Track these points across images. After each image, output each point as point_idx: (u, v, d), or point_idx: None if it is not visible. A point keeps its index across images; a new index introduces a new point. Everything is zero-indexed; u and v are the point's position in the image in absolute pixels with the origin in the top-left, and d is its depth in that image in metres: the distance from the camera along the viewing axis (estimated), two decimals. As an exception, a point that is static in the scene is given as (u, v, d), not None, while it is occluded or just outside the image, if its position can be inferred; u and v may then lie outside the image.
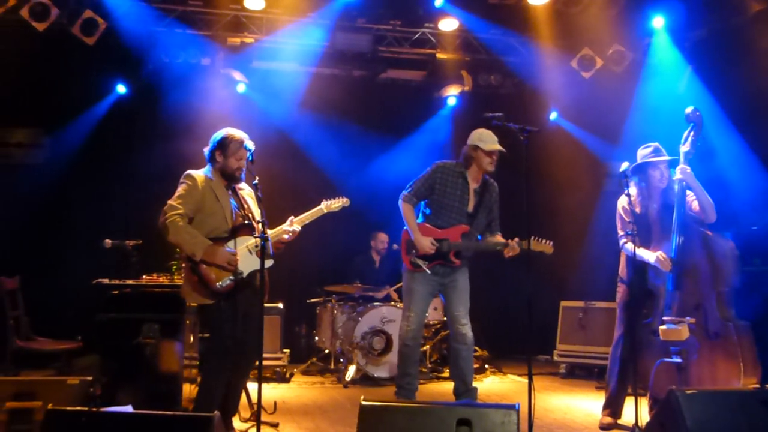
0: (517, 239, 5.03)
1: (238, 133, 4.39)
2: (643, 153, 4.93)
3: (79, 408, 3.02)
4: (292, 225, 4.55)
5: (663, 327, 4.49)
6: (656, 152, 4.90)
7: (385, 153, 8.60)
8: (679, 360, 4.42)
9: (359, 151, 8.48)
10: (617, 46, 8.09)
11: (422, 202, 5.34)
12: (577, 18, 8.03)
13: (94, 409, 3.03)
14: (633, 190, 4.94)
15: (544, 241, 5.07)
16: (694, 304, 4.56)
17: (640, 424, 4.23)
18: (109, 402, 4.57)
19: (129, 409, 3.68)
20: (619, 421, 5.02)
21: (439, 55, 8.71)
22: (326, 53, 8.25)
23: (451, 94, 9.07)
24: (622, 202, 4.96)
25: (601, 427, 4.99)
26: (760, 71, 6.93)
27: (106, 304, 5.01)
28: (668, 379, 4.42)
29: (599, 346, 7.12)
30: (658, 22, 7.78)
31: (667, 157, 4.85)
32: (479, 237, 5.31)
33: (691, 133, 4.70)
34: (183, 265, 4.38)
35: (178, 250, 5.47)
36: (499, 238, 5.25)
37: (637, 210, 4.87)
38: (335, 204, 4.87)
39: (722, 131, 7.12)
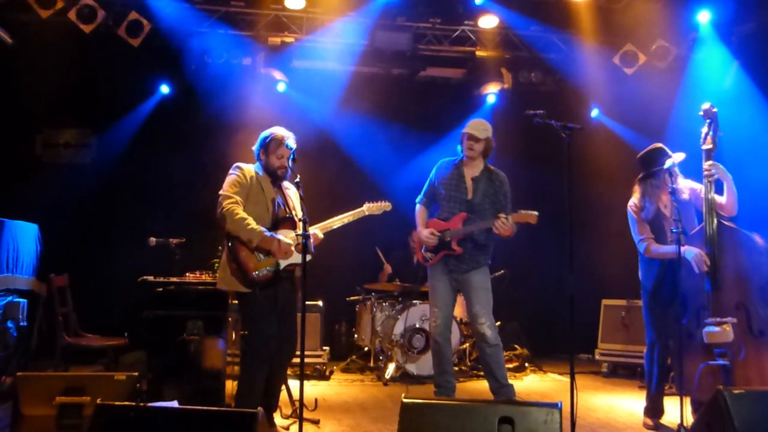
0: (503, 215, 5.04)
1: (281, 132, 4.49)
2: (674, 159, 4.86)
3: (127, 403, 3.08)
4: (322, 230, 4.62)
5: (706, 330, 4.40)
6: (662, 152, 4.85)
7: (425, 151, 8.58)
8: (724, 362, 4.34)
9: (399, 150, 8.50)
10: (661, 41, 7.96)
11: (435, 205, 5.48)
12: (619, 13, 7.92)
13: (142, 405, 3.09)
14: (638, 193, 4.93)
15: (527, 211, 5.08)
16: (734, 303, 4.45)
17: (685, 425, 4.17)
18: (154, 398, 4.67)
19: (175, 404, 3.76)
20: (662, 421, 4.96)
21: (479, 53, 8.65)
22: (366, 52, 8.25)
23: (491, 92, 9.01)
24: (630, 204, 4.92)
25: (646, 427, 4.94)
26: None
27: (152, 302, 5.11)
28: (714, 383, 4.33)
29: (642, 345, 6.93)
30: (704, 16, 7.63)
31: (673, 160, 4.77)
32: None
33: (711, 130, 4.62)
34: (222, 252, 4.45)
35: (220, 247, 5.57)
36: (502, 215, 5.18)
37: (649, 210, 4.84)
38: (377, 207, 4.94)
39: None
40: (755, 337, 4.37)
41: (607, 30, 8.02)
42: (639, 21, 7.84)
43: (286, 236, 4.38)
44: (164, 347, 5.00)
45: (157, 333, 5.03)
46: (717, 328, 4.36)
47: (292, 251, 4.34)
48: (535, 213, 5.08)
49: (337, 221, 4.69)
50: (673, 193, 4.52)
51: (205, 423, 3.00)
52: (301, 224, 4.08)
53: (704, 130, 4.66)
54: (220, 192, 4.36)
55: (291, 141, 4.42)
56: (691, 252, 4.56)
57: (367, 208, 4.90)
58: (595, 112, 8.86)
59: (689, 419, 4.28)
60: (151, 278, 5.31)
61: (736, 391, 3.34)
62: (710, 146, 4.62)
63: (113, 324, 6.39)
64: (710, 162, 4.60)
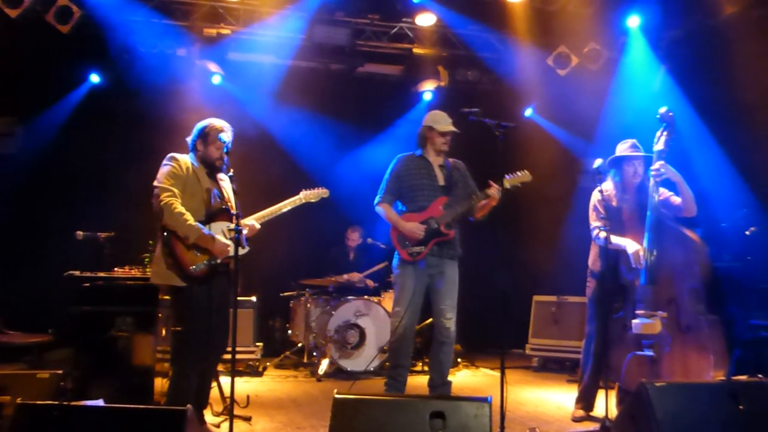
0: (493, 184, 5.01)
1: (219, 123, 4.45)
2: (620, 148, 5.02)
3: (49, 402, 2.99)
4: (258, 220, 4.58)
5: (636, 321, 4.58)
6: (633, 148, 4.99)
7: (362, 147, 8.61)
8: (651, 353, 4.52)
9: (336, 145, 8.48)
10: (593, 44, 8.16)
11: (398, 202, 5.32)
12: (553, 16, 8.08)
13: (65, 403, 3.00)
14: (608, 184, 5.03)
15: (517, 173, 5.11)
16: (666, 298, 4.64)
17: (610, 416, 4.30)
18: (80, 396, 4.53)
19: (100, 403, 3.66)
20: (591, 414, 5.09)
21: (417, 50, 8.72)
22: (304, 46, 8.20)
23: (428, 89, 9.09)
24: (597, 195, 5.03)
25: (574, 420, 5.06)
26: (733, 72, 7.04)
27: (78, 297, 4.96)
28: (639, 372, 4.51)
29: (571, 340, 7.20)
30: (634, 21, 7.86)
31: (642, 154, 4.93)
32: None
33: (665, 133, 4.78)
34: (156, 246, 4.35)
35: (151, 242, 5.44)
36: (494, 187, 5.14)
37: (613, 203, 4.95)
38: (314, 194, 4.93)
39: (694, 131, 7.23)
40: (682, 331, 4.55)
41: (542, 32, 8.17)
42: (572, 24, 8.02)
43: (221, 228, 4.32)
44: (91, 344, 4.86)
45: (84, 329, 4.89)
46: (646, 320, 4.55)
47: (228, 250, 4.26)
48: (525, 171, 5.14)
49: (274, 210, 4.66)
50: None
51: (132, 421, 2.94)
52: (234, 218, 4.03)
53: (659, 132, 4.81)
54: (156, 183, 4.25)
55: (226, 134, 4.37)
56: (633, 247, 4.71)
57: (304, 196, 4.90)
58: (529, 111, 9.03)
59: (614, 411, 4.41)
60: (77, 273, 5.15)
61: (659, 384, 3.47)
62: (662, 148, 4.77)
63: (37, 320, 6.16)
64: (661, 162, 4.75)
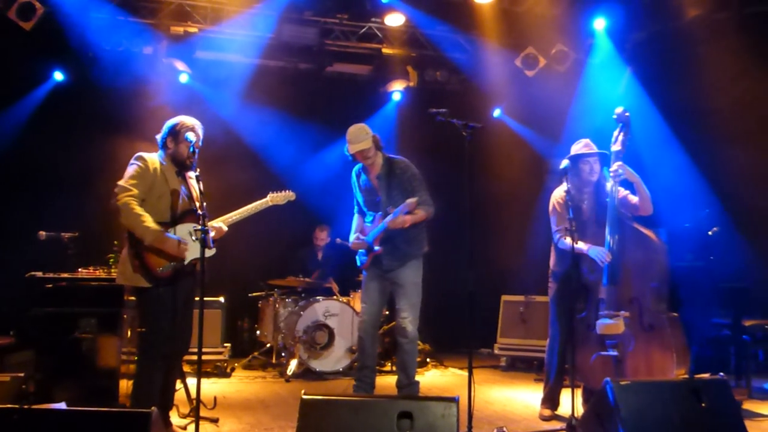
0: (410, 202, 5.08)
1: (190, 121, 4.40)
2: (574, 148, 5.06)
3: (10, 406, 2.93)
4: (226, 223, 4.55)
5: (600, 321, 4.63)
6: (587, 147, 5.03)
7: (330, 146, 8.57)
8: (615, 353, 4.57)
9: (304, 144, 8.44)
10: (560, 45, 8.24)
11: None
12: (521, 17, 8.15)
13: (27, 407, 2.94)
14: (564, 186, 5.06)
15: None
16: (628, 298, 4.70)
17: (576, 415, 4.34)
18: (43, 399, 4.46)
19: (63, 406, 3.60)
20: (557, 412, 5.14)
21: (386, 50, 8.73)
22: (272, 45, 8.17)
23: (397, 89, 9.10)
24: (556, 196, 5.08)
25: (541, 418, 5.10)
26: (695, 74, 7.17)
27: (41, 298, 4.87)
28: (604, 372, 4.55)
29: (539, 339, 7.25)
30: (600, 23, 7.96)
31: (597, 151, 4.97)
32: None
33: (621, 133, 4.83)
34: (122, 247, 4.29)
35: (116, 242, 5.37)
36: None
37: (572, 204, 5.00)
38: (281, 197, 4.92)
39: (658, 132, 7.34)
40: (645, 330, 4.61)
41: (510, 33, 8.24)
42: (540, 25, 8.11)
43: (188, 230, 4.28)
44: (54, 346, 4.78)
45: (47, 331, 4.80)
46: (610, 320, 4.60)
47: (184, 251, 4.21)
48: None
49: (241, 213, 4.63)
50: (594, 189, 4.73)
51: (96, 424, 2.89)
52: (201, 219, 3.99)
53: (616, 133, 4.85)
54: (119, 182, 4.18)
55: (192, 133, 4.32)
56: (595, 250, 4.75)
57: (271, 198, 4.88)
58: (497, 112, 9.09)
59: (580, 410, 4.46)
60: (40, 274, 5.07)
61: (623, 383, 3.52)
62: (619, 148, 4.82)
63: (-2, 322, 6.05)
64: (619, 163, 4.80)
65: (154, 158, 4.33)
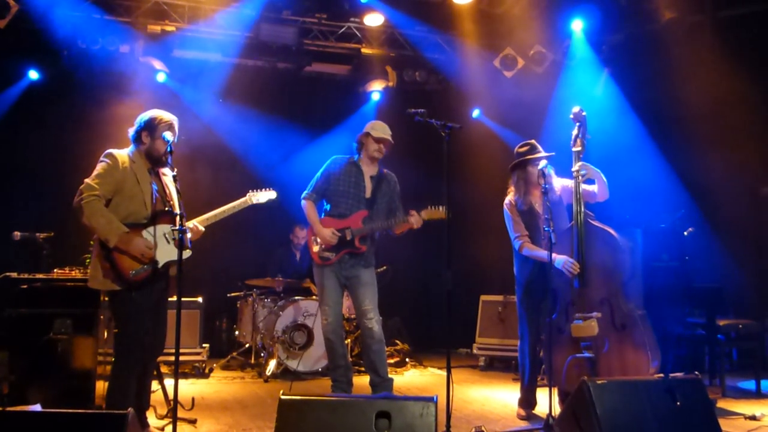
0: (414, 212, 5.15)
1: (167, 115, 4.25)
2: (520, 151, 5.09)
3: (-17, 407, 2.90)
4: (203, 223, 4.46)
5: (573, 324, 4.65)
6: (533, 150, 5.04)
7: (309, 146, 8.56)
8: (589, 355, 4.59)
9: (282, 144, 8.43)
10: (538, 47, 8.29)
11: (323, 201, 5.42)
12: (500, 18, 8.20)
13: (1, 409, 2.91)
14: (513, 190, 5.12)
15: (437, 208, 5.15)
16: (599, 299, 4.72)
17: (553, 414, 4.37)
18: (17, 401, 4.41)
19: (37, 408, 3.56)
20: (534, 412, 5.17)
21: (365, 50, 8.74)
22: (250, 44, 8.15)
23: (376, 90, 9.12)
24: (508, 203, 5.12)
25: (519, 417, 5.14)
26: (671, 76, 7.25)
27: (15, 299, 4.80)
28: (579, 374, 4.56)
29: (517, 339, 7.26)
30: (577, 25, 8.02)
31: (544, 154, 5.00)
32: None
33: (579, 133, 4.86)
34: (93, 249, 4.20)
35: (92, 242, 5.31)
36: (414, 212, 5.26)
37: (524, 208, 5.05)
38: (261, 196, 4.84)
39: (634, 133, 7.42)
40: (618, 330, 4.65)
41: (489, 34, 8.29)
42: (518, 26, 8.16)
43: (163, 230, 4.19)
44: (29, 347, 4.72)
45: (22, 332, 4.73)
46: (583, 323, 4.61)
47: (150, 254, 4.11)
48: (442, 208, 5.11)
49: (220, 213, 4.54)
50: (546, 193, 4.71)
51: (72, 426, 2.87)
52: (178, 219, 3.92)
53: (574, 132, 4.89)
54: (86, 180, 4.05)
55: (176, 126, 4.24)
56: (560, 260, 4.76)
57: (251, 197, 4.79)
58: (476, 113, 9.13)
59: (557, 409, 4.49)
60: (14, 275, 4.99)
61: (599, 382, 3.56)
62: (579, 148, 4.86)
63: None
64: (580, 163, 4.83)
65: (123, 155, 4.18)
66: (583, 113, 4.87)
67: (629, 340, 4.60)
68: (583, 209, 4.80)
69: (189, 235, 4.20)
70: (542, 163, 4.91)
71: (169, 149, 4.09)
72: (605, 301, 4.70)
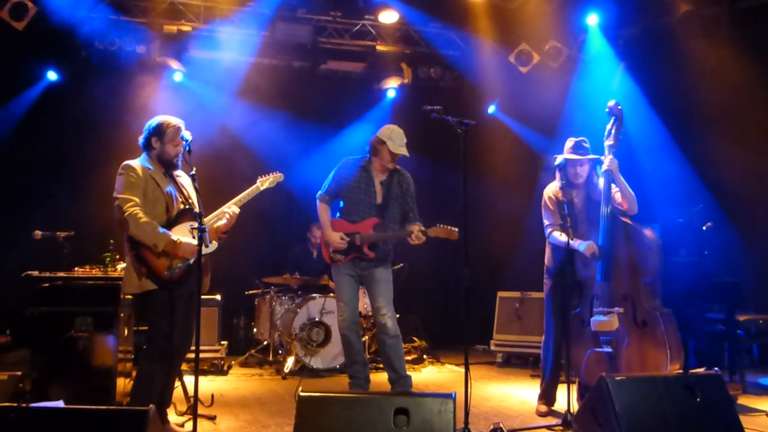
0: (418, 227, 5.15)
1: (174, 120, 4.36)
2: (566, 146, 5.06)
3: (7, 404, 2.93)
4: (230, 207, 4.52)
5: (594, 318, 4.63)
6: (575, 149, 4.99)
7: (325, 144, 8.59)
8: (609, 350, 4.57)
9: (298, 143, 8.44)
10: (553, 42, 8.26)
11: (339, 200, 5.46)
12: (515, 13, 8.17)
13: (24, 405, 2.95)
14: (556, 183, 5.09)
15: (448, 227, 5.13)
16: (621, 294, 4.71)
17: (572, 410, 4.36)
18: (40, 398, 4.46)
19: (60, 404, 3.61)
20: (553, 408, 5.16)
21: (379, 48, 8.74)
22: (266, 43, 8.18)
23: (391, 87, 9.12)
24: (548, 192, 5.09)
25: (538, 414, 5.12)
26: (687, 69, 7.19)
27: (37, 298, 4.86)
28: (598, 368, 4.57)
29: (535, 335, 7.27)
30: (593, 19, 7.98)
31: (578, 157, 4.95)
32: (396, 229, 5.36)
33: (614, 127, 4.83)
34: (118, 254, 4.28)
35: (112, 241, 5.37)
36: (418, 227, 5.24)
37: (561, 199, 5.02)
38: (269, 179, 4.88)
39: (651, 127, 7.36)
40: (638, 326, 4.62)
41: (503, 29, 8.26)
42: (533, 21, 8.12)
43: (188, 227, 4.26)
44: (51, 345, 4.77)
45: (43, 330, 4.79)
46: (604, 317, 4.60)
47: (196, 250, 4.18)
48: (456, 229, 5.09)
49: (234, 203, 4.56)
50: (586, 188, 4.73)
51: (93, 422, 2.90)
52: (198, 217, 3.99)
53: (608, 126, 4.86)
54: (117, 195, 4.16)
55: (186, 132, 4.30)
56: (584, 244, 4.76)
57: (261, 183, 4.82)
58: (491, 109, 9.10)
59: (576, 405, 4.48)
60: (36, 273, 5.06)
61: (618, 378, 3.55)
62: (612, 142, 4.82)
63: (-6, 322, 6.06)
64: (609, 158, 4.81)
65: (139, 164, 4.29)
66: (619, 107, 4.82)
67: (650, 338, 4.58)
68: (611, 204, 4.78)
69: (223, 221, 4.39)
70: (558, 158, 4.89)
71: (187, 148, 4.17)
72: (628, 297, 4.68)
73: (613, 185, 4.86)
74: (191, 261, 4.25)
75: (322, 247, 5.49)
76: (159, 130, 4.31)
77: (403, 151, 5.24)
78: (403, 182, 5.40)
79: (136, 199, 4.14)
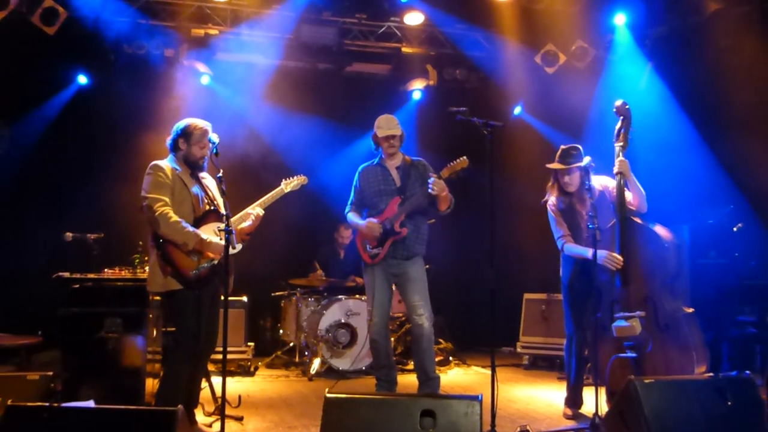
0: (434, 174, 5.11)
1: (201, 122, 4.43)
2: (556, 155, 5.04)
3: (39, 404, 2.98)
4: (255, 209, 4.57)
5: (615, 324, 4.57)
6: (563, 157, 4.97)
7: (350, 146, 8.59)
8: (633, 355, 4.51)
9: (324, 145, 8.48)
10: (580, 42, 8.19)
11: (365, 209, 5.52)
12: (540, 14, 8.11)
13: (55, 405, 2.99)
14: (555, 192, 5.08)
15: (454, 161, 5.13)
16: (641, 297, 4.63)
17: (600, 413, 4.32)
18: (70, 397, 4.52)
19: (91, 404, 3.65)
20: (581, 411, 5.12)
21: (405, 49, 8.74)
22: (291, 46, 8.23)
23: (417, 88, 9.12)
24: (551, 203, 5.06)
25: (565, 417, 5.09)
26: (717, 69, 7.09)
27: (67, 299, 4.93)
28: (623, 374, 4.49)
29: (561, 337, 7.11)
30: (620, 19, 7.90)
31: (567, 166, 4.93)
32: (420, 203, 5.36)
33: (623, 127, 4.77)
34: (147, 256, 4.34)
35: (141, 242, 5.43)
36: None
37: (563, 207, 5.01)
38: (293, 182, 4.94)
39: (680, 127, 7.27)
40: (661, 330, 4.54)
41: (529, 30, 8.21)
42: (559, 22, 8.06)
43: (213, 228, 4.32)
44: (81, 345, 4.84)
45: (73, 331, 4.86)
46: (625, 323, 4.53)
47: (222, 249, 4.24)
48: (463, 157, 5.11)
49: (258, 204, 4.62)
50: (589, 189, 4.67)
51: (123, 422, 2.93)
52: (224, 218, 4.03)
53: (617, 126, 4.81)
54: (146, 195, 4.22)
55: (214, 135, 4.37)
56: (602, 254, 4.67)
57: (285, 185, 4.89)
58: (517, 110, 9.05)
59: (604, 408, 4.44)
60: (66, 274, 5.13)
61: (647, 381, 3.50)
62: (622, 143, 4.77)
63: (26, 322, 6.13)
64: (621, 160, 4.75)
65: (167, 164, 4.36)
66: (627, 106, 4.76)
67: (673, 341, 4.50)
68: (626, 206, 4.73)
69: (248, 223, 4.46)
70: (585, 160, 4.85)
71: (214, 151, 4.23)
72: (648, 300, 4.61)
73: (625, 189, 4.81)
74: (216, 261, 4.30)
75: (360, 249, 5.51)
76: (186, 132, 4.38)
77: (391, 131, 5.34)
78: (419, 166, 5.47)
79: (166, 199, 4.20)
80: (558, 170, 4.99)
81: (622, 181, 4.74)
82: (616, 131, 4.80)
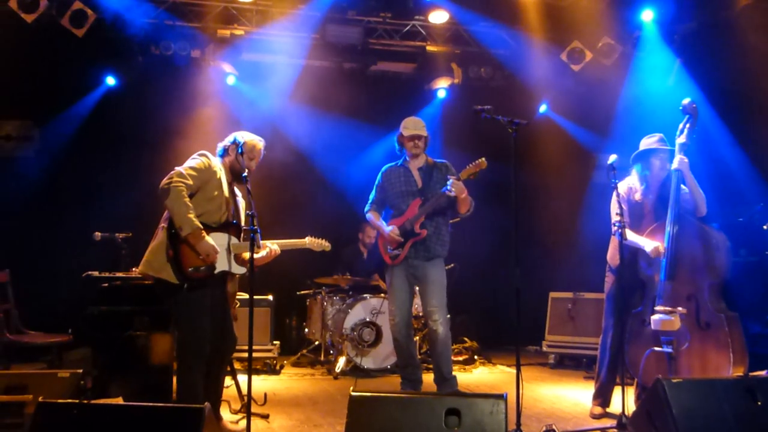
0: (452, 177, 5.14)
1: (259, 145, 4.55)
2: (647, 141, 4.97)
3: (70, 401, 3.03)
4: (274, 244, 4.61)
5: (655, 317, 4.54)
6: (661, 142, 4.94)
7: (375, 145, 8.61)
8: (669, 350, 4.47)
9: (349, 143, 8.50)
10: (607, 39, 8.12)
11: (387, 208, 5.60)
12: (566, 11, 8.06)
13: (86, 402, 3.04)
14: (633, 178, 5.00)
15: (473, 163, 5.14)
16: (686, 294, 4.60)
17: (627, 413, 4.28)
18: (100, 395, 4.58)
19: (120, 401, 3.70)
20: (608, 410, 5.08)
21: (430, 48, 8.73)
22: (316, 45, 8.25)
23: (442, 87, 9.10)
24: (621, 189, 4.99)
25: (592, 416, 5.04)
26: (747, 65, 6.98)
27: (97, 297, 5.01)
28: (658, 368, 4.48)
29: (588, 336, 7.18)
30: (647, 15, 7.82)
31: (669, 147, 4.88)
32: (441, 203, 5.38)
33: (687, 125, 4.75)
34: (156, 237, 4.31)
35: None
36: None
37: (636, 198, 4.94)
38: (317, 244, 5.02)
39: (709, 124, 7.17)
40: (701, 328, 4.50)
41: (555, 27, 8.15)
42: (585, 19, 8.00)
43: (226, 240, 4.31)
44: (110, 343, 4.90)
45: (103, 329, 4.93)
46: (666, 316, 4.50)
47: (214, 258, 4.21)
48: (482, 159, 5.12)
49: (279, 245, 4.66)
50: (647, 187, 4.68)
51: (151, 419, 2.98)
52: (250, 219, 3.99)
53: (681, 125, 4.78)
54: (178, 168, 4.20)
55: (262, 152, 4.53)
56: (651, 245, 4.69)
57: (309, 241, 4.97)
58: (543, 108, 9.00)
59: (631, 407, 4.40)
60: (96, 273, 5.21)
61: (675, 380, 3.46)
62: (684, 140, 4.74)
63: (57, 320, 6.23)
64: (680, 157, 4.72)
65: (215, 159, 4.42)
66: (694, 105, 4.74)
67: (712, 341, 4.45)
68: (679, 200, 4.69)
69: (264, 254, 4.49)
70: (612, 158, 4.81)
71: (239, 150, 4.32)
72: (692, 298, 4.57)
73: (682, 185, 4.76)
74: (215, 271, 4.28)
75: (381, 251, 5.57)
76: (245, 148, 4.41)
77: (417, 131, 5.41)
78: (441, 167, 5.51)
79: (191, 181, 4.16)
80: (658, 150, 4.90)
81: (678, 177, 4.70)
82: (679, 128, 4.78)
